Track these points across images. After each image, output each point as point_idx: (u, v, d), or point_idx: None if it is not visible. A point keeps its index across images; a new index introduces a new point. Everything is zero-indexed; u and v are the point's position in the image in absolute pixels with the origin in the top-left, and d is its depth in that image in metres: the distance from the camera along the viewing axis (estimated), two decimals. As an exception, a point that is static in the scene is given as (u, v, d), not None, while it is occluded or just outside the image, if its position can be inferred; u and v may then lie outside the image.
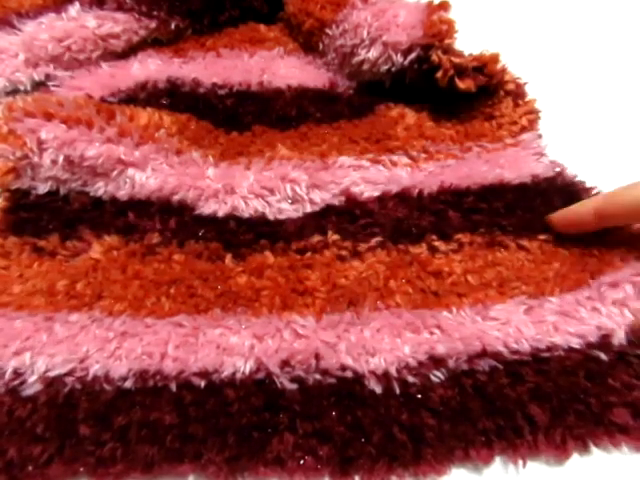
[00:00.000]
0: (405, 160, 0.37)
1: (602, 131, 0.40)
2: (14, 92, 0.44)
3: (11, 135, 0.34)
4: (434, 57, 0.38)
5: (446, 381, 0.27)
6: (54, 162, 0.34)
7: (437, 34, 0.38)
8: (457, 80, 0.38)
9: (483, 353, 0.28)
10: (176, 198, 0.34)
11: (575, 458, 0.26)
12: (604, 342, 0.28)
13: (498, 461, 0.26)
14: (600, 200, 0.31)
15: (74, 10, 0.45)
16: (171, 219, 0.34)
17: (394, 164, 0.37)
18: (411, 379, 0.27)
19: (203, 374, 0.27)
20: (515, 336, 0.28)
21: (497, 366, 0.27)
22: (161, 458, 0.25)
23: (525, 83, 0.41)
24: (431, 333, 0.29)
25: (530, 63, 0.43)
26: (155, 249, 0.32)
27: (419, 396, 0.27)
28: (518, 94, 0.40)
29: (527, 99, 0.40)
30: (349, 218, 0.34)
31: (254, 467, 0.25)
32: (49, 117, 0.34)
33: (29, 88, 0.44)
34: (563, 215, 0.32)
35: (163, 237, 0.33)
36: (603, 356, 0.27)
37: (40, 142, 0.34)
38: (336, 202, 0.35)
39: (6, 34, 0.44)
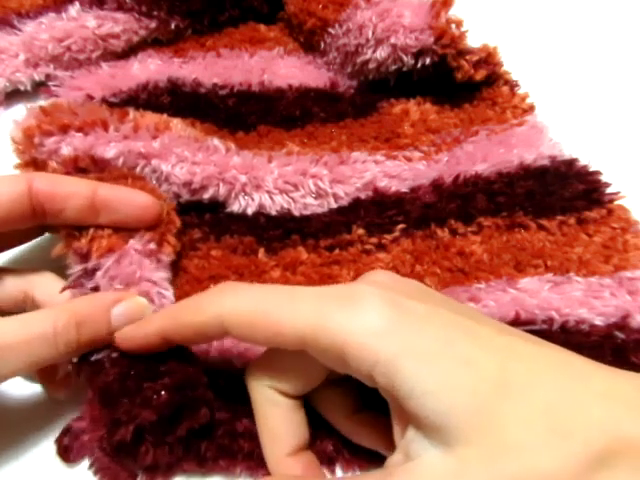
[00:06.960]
0: (418, 154, 0.38)
1: (596, 130, 0.41)
2: (14, 92, 0.44)
3: (32, 163, 0.32)
4: (453, 63, 0.39)
5: None
6: None
7: (451, 42, 0.39)
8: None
9: (516, 319, 0.29)
10: (206, 196, 0.34)
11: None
12: (623, 323, 0.29)
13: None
14: (166, 320, 0.24)
15: (74, 10, 0.45)
16: (205, 214, 0.34)
17: (409, 159, 0.38)
18: None
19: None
20: (545, 306, 0.29)
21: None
22: (213, 455, 0.25)
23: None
24: None
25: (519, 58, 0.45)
26: (196, 244, 0.33)
27: None
28: (514, 83, 0.43)
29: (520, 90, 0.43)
30: (377, 210, 0.34)
31: None
32: (65, 129, 0.33)
33: (29, 88, 0.44)
34: (129, 333, 0.25)
35: (202, 232, 0.33)
36: (623, 335, 0.29)
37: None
38: (363, 196, 0.35)
39: (6, 34, 0.44)
